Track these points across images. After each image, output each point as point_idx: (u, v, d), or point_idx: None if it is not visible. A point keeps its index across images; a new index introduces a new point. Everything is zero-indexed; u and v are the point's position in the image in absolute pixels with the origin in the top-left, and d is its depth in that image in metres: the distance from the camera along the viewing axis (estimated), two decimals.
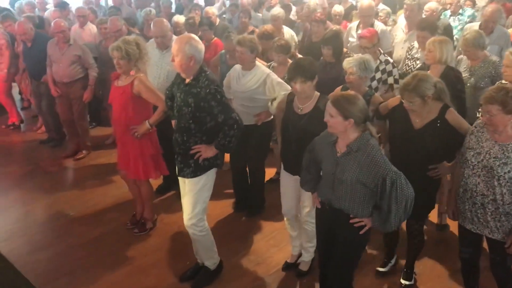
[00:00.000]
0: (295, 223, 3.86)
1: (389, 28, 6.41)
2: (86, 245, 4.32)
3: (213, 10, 6.99)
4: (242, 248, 4.26)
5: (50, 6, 9.37)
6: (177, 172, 3.57)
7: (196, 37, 3.34)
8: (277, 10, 6.59)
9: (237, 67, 4.46)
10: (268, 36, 5.29)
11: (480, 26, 5.30)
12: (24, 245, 4.34)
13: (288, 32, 6.43)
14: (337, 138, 2.85)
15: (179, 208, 3.80)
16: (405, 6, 6.07)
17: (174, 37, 4.80)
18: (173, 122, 3.67)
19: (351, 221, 2.84)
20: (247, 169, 4.75)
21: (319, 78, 4.59)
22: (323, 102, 3.31)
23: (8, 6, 9.68)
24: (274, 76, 4.32)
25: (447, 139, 3.25)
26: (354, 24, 6.21)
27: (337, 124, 2.74)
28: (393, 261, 3.87)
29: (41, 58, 5.97)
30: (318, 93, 3.49)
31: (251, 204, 4.80)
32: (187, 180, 3.49)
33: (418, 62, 4.87)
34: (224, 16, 7.85)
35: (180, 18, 6.67)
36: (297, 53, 5.50)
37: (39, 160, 6.18)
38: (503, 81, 3.88)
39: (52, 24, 5.86)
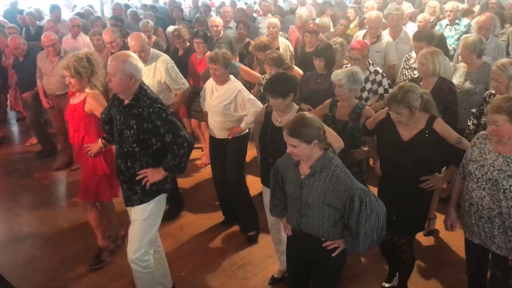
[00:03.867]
0: (281, 237, 3.72)
1: None
2: (79, 257, 4.25)
3: (219, 20, 6.81)
4: (237, 258, 4.22)
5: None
6: (124, 203, 3.29)
7: (134, 55, 3.15)
8: (275, 19, 6.64)
9: (212, 81, 4.41)
10: (264, 47, 5.29)
11: None
12: (17, 258, 4.30)
13: (283, 42, 6.45)
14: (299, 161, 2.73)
15: None
16: (390, 16, 6.12)
17: (153, 50, 4.74)
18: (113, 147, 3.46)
19: (323, 244, 2.72)
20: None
21: (311, 89, 4.62)
22: None
23: (2, 18, 9.73)
24: (246, 93, 4.28)
25: (436, 149, 3.21)
26: (360, 33, 6.22)
27: (303, 151, 2.62)
28: (397, 274, 3.75)
29: (33, 72, 6.00)
30: (297, 106, 3.45)
31: (241, 221, 4.62)
32: (133, 209, 3.24)
33: (415, 72, 4.86)
34: (230, 26, 7.81)
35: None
36: (293, 64, 5.48)
37: (32, 173, 6.13)
38: (493, 91, 3.88)
39: (42, 37, 5.82)
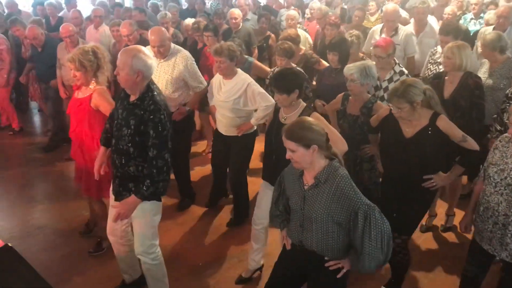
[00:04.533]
0: (262, 235, 3.71)
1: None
2: None
3: (238, 12, 6.80)
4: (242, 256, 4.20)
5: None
6: (114, 196, 3.23)
7: (146, 51, 3.02)
8: (293, 11, 6.63)
9: (219, 75, 4.34)
10: (292, 40, 5.14)
11: (494, 27, 5.25)
12: (38, 244, 4.39)
13: (302, 34, 6.40)
14: (303, 170, 2.59)
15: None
16: (416, 9, 6.01)
17: (173, 45, 4.61)
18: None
19: (326, 264, 2.55)
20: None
21: (326, 84, 4.55)
22: (307, 113, 3.15)
23: (31, 8, 9.85)
24: (256, 86, 4.21)
25: (440, 147, 3.13)
26: (377, 27, 6.14)
27: (302, 157, 2.45)
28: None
29: (52, 62, 6.08)
30: (305, 104, 3.37)
31: (234, 214, 4.70)
32: None
33: (441, 66, 4.76)
34: (247, 18, 7.83)
35: (191, 21, 6.68)
36: (317, 57, 5.41)
37: (53, 162, 6.22)
38: None
39: (60, 28, 5.89)
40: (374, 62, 4.19)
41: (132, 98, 3.03)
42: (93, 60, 3.66)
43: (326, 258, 2.56)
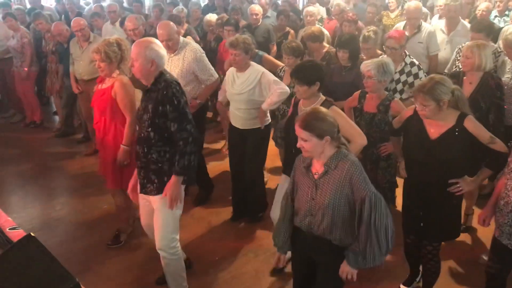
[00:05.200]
0: None
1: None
2: None
3: (258, 8, 6.76)
4: (271, 245, 3.95)
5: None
6: (139, 189, 3.29)
7: (158, 42, 3.11)
8: (313, 8, 6.62)
9: (232, 69, 4.31)
10: (315, 37, 5.08)
11: None
12: (58, 235, 4.46)
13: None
14: (311, 160, 2.59)
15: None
16: (447, 7, 5.87)
17: (182, 38, 4.59)
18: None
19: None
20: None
21: (335, 82, 4.50)
22: (326, 107, 3.09)
23: (53, 3, 9.99)
24: (271, 76, 4.19)
25: (467, 149, 3.03)
26: (400, 25, 6.03)
27: (314, 147, 2.47)
28: (418, 278, 3.65)
29: None
30: (324, 97, 3.36)
31: (252, 209, 4.64)
32: (152, 198, 3.19)
33: None
34: (268, 15, 7.83)
35: (212, 17, 6.69)
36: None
37: (73, 155, 6.32)
38: None
39: (71, 22, 5.95)
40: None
41: (148, 86, 3.12)
42: (117, 51, 3.74)
43: (334, 242, 2.58)
